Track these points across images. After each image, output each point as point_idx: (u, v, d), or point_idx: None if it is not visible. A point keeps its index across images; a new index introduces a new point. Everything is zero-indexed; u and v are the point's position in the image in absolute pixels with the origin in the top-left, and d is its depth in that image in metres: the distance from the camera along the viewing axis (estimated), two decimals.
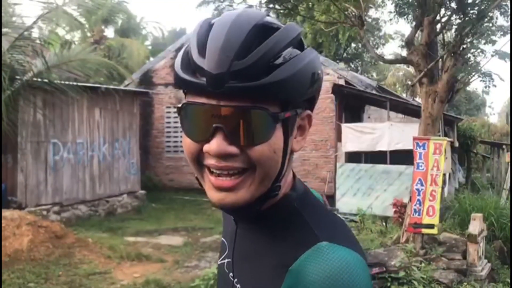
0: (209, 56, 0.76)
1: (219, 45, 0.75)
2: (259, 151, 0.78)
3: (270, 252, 0.83)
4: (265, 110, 0.77)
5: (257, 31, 0.77)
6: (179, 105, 0.82)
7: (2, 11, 8.00)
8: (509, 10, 7.00)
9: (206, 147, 0.78)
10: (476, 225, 6.26)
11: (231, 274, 0.94)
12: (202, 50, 0.77)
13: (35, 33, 8.77)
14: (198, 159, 0.81)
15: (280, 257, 0.81)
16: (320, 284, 0.72)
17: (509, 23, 6.95)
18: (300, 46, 0.82)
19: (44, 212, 9.27)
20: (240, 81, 0.74)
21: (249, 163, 0.79)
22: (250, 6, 7.92)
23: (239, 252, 0.94)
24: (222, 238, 1.04)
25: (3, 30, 7.61)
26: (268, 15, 0.83)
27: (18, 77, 7.99)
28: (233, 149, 0.77)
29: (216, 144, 0.77)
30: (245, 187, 0.80)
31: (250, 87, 0.75)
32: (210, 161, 0.79)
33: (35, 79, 8.22)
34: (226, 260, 0.98)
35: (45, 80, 8.30)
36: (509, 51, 6.62)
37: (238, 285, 0.90)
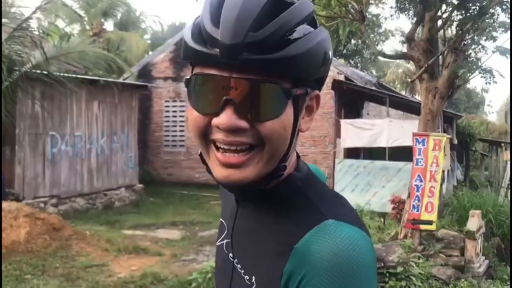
0: (224, 26, 0.73)
1: (234, 16, 0.73)
2: (270, 127, 0.76)
3: (273, 231, 0.81)
4: (278, 84, 0.75)
5: (272, 4, 0.75)
6: (187, 77, 0.80)
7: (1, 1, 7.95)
8: (510, 7, 6.98)
9: (215, 121, 0.76)
10: (474, 222, 6.26)
11: (230, 254, 0.92)
12: (215, 20, 0.75)
13: (33, 24, 8.72)
14: (205, 133, 0.79)
15: (283, 236, 0.79)
16: (328, 261, 0.71)
17: (510, 19, 6.93)
18: (313, 23, 0.81)
19: (42, 205, 9.25)
20: (254, 53, 0.72)
21: (258, 140, 0.77)
22: None
23: (239, 232, 0.91)
24: (221, 219, 1.02)
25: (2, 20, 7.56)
26: None
27: (16, 68, 7.94)
28: (243, 123, 0.75)
29: (226, 117, 0.75)
30: (252, 165, 0.78)
31: (264, 59, 0.73)
32: (218, 136, 0.77)
33: (33, 70, 8.18)
34: (225, 241, 0.96)
35: (44, 72, 8.26)
36: (509, 47, 6.60)
37: (238, 265, 0.88)
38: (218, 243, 1.00)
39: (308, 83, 0.80)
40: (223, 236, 0.98)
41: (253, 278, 0.83)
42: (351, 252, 0.71)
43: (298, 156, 0.90)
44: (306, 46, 0.75)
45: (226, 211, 1.00)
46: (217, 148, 0.78)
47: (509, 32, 6.71)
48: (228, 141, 0.76)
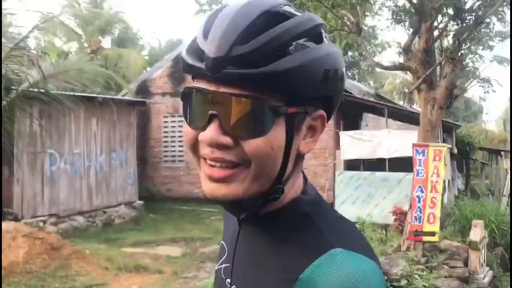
0: (211, 39, 0.72)
1: (222, 28, 0.71)
2: (254, 145, 0.72)
3: (277, 257, 0.77)
4: (264, 101, 0.71)
5: (268, 17, 0.72)
6: (182, 90, 0.78)
7: None
8: (506, 16, 7.01)
9: (200, 136, 0.74)
10: (477, 232, 6.20)
11: (228, 280, 0.88)
12: (206, 34, 0.73)
13: (31, 43, 8.74)
14: (195, 148, 0.77)
15: (288, 264, 0.75)
16: (340, 280, 0.67)
17: (506, 28, 6.95)
18: (317, 39, 0.75)
19: (41, 224, 9.18)
20: (239, 67, 0.70)
21: (243, 158, 0.73)
22: None
23: (240, 256, 0.87)
24: (222, 242, 0.98)
25: None
26: (289, 5, 0.77)
27: (13, 87, 7.94)
28: (226, 140, 0.72)
29: (210, 132, 0.73)
30: (237, 181, 0.75)
31: (248, 74, 0.69)
32: (204, 151, 0.75)
33: (31, 89, 8.17)
34: (223, 265, 0.92)
35: (41, 90, 8.25)
36: (506, 56, 6.62)
37: None
38: (217, 267, 0.96)
39: (307, 101, 0.75)
40: (222, 259, 0.94)
41: None
42: (359, 285, 0.67)
43: (305, 180, 0.86)
44: (299, 61, 0.71)
45: (227, 233, 0.97)
46: (205, 162, 0.77)
47: (505, 41, 6.73)
48: (213, 157, 0.74)
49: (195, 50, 0.74)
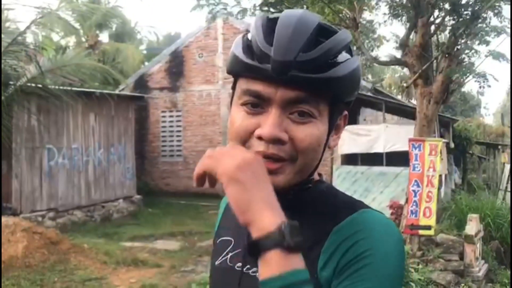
0: (277, 44, 0.80)
1: (287, 36, 0.80)
2: (307, 142, 0.82)
3: (305, 228, 0.79)
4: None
5: (320, 30, 0.83)
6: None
7: None
8: (503, 11, 7.02)
9: (258, 131, 0.82)
10: (473, 226, 6.26)
11: (238, 264, 0.92)
12: (268, 39, 0.81)
13: (29, 38, 8.72)
14: (245, 143, 0.84)
15: (317, 228, 0.84)
16: (376, 222, 0.82)
17: (502, 23, 6.96)
18: (350, 51, 0.88)
19: (39, 218, 9.22)
20: (303, 72, 0.79)
21: (290, 155, 0.82)
22: (244, 9, 7.89)
23: None
24: (222, 238, 1.01)
25: None
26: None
27: (11, 82, 7.94)
28: (284, 136, 0.81)
29: (268, 127, 0.81)
30: (284, 173, 0.83)
31: (311, 78, 0.80)
32: (259, 148, 0.82)
33: (29, 84, 8.18)
34: (230, 254, 0.96)
35: (39, 85, 8.26)
36: (502, 51, 6.63)
37: (251, 270, 0.89)
38: (217, 263, 0.98)
39: (343, 103, 0.88)
40: (227, 250, 0.97)
41: None
42: (390, 227, 0.83)
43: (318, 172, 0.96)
44: (347, 70, 0.83)
45: (230, 226, 0.99)
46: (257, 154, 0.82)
47: (501, 36, 6.74)
48: (268, 154, 0.81)
49: (253, 52, 0.82)
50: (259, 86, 0.81)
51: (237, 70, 0.86)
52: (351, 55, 0.86)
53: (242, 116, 0.84)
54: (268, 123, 0.80)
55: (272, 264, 0.69)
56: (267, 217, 0.71)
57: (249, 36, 0.85)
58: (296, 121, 0.82)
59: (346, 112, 0.91)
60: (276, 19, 0.84)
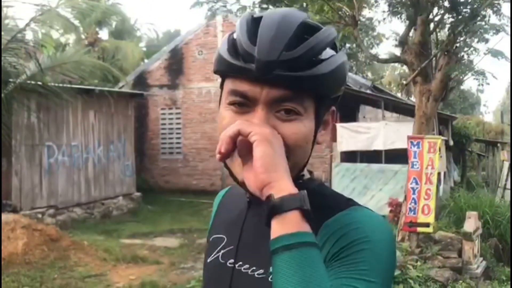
0: (260, 44, 0.80)
1: (270, 35, 0.81)
2: (294, 139, 0.83)
3: None
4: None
5: (304, 28, 0.83)
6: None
7: None
8: (502, 9, 7.03)
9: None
10: (471, 223, 6.28)
11: (230, 260, 0.93)
12: (252, 39, 0.82)
13: (28, 36, 8.72)
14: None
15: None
16: (366, 218, 0.83)
17: (501, 21, 6.97)
18: (335, 47, 0.89)
19: (39, 215, 9.23)
20: (286, 70, 0.80)
21: None
22: (244, 7, 7.91)
23: (251, 233, 0.93)
24: (214, 236, 1.02)
25: None
26: (308, 17, 0.89)
27: (11, 80, 7.94)
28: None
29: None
30: None
31: (295, 76, 0.80)
32: None
33: (28, 81, 8.18)
34: (222, 252, 0.97)
35: (39, 83, 8.26)
36: (501, 49, 6.65)
37: (243, 267, 0.90)
38: (209, 260, 1.00)
39: (329, 99, 0.89)
40: (219, 248, 0.98)
41: (271, 268, 0.80)
42: (379, 222, 0.84)
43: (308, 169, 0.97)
44: (332, 67, 0.83)
45: (223, 224, 1.01)
46: None
47: (500, 34, 6.75)
48: None
49: (238, 52, 0.83)
50: (244, 86, 0.82)
51: (223, 70, 0.87)
52: (336, 51, 0.87)
53: (229, 115, 0.85)
54: (255, 122, 0.81)
55: (290, 223, 0.72)
56: (289, 183, 0.75)
57: (235, 35, 0.85)
58: (283, 119, 0.83)
59: (333, 108, 0.92)
60: (260, 18, 0.84)
